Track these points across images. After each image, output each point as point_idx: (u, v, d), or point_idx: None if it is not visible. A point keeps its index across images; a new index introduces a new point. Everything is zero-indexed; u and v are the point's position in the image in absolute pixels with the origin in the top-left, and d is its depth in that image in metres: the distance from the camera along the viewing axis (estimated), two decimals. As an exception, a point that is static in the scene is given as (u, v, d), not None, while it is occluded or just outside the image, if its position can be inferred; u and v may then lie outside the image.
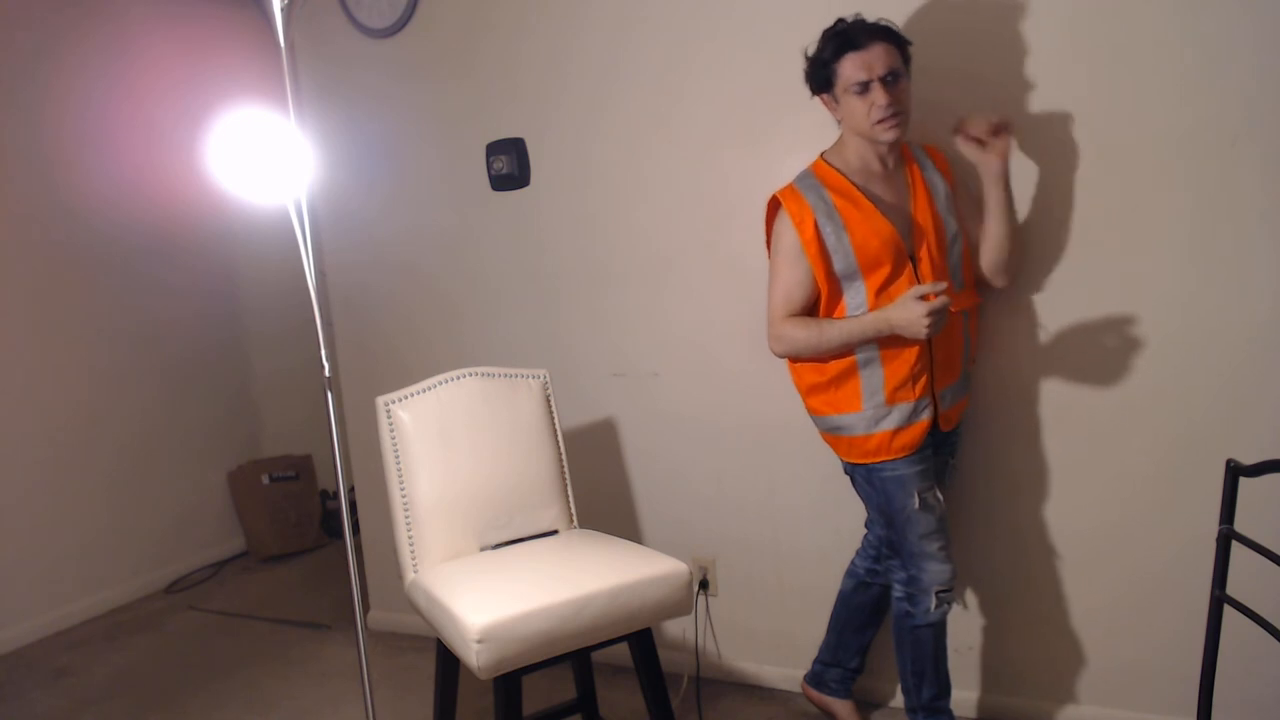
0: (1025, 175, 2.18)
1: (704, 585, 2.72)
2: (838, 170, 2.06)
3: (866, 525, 2.36)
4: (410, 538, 2.12)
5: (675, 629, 2.81)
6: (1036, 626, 2.34)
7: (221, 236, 4.29)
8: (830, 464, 2.33)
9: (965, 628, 2.41)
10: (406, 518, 2.13)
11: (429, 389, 2.18)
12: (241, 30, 4.27)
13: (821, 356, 2.08)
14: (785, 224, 2.06)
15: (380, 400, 2.16)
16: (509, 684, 1.83)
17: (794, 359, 2.14)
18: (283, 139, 1.85)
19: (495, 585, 1.89)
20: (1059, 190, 2.16)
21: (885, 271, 2.01)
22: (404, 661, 3.05)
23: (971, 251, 2.14)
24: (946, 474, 2.26)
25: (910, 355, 2.02)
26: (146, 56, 3.95)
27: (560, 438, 2.32)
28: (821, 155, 2.12)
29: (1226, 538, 1.52)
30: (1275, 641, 1.39)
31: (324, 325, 1.91)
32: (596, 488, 2.83)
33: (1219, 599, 1.52)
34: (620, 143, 2.65)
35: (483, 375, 2.25)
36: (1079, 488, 2.25)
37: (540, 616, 1.79)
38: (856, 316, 2.02)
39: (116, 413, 3.84)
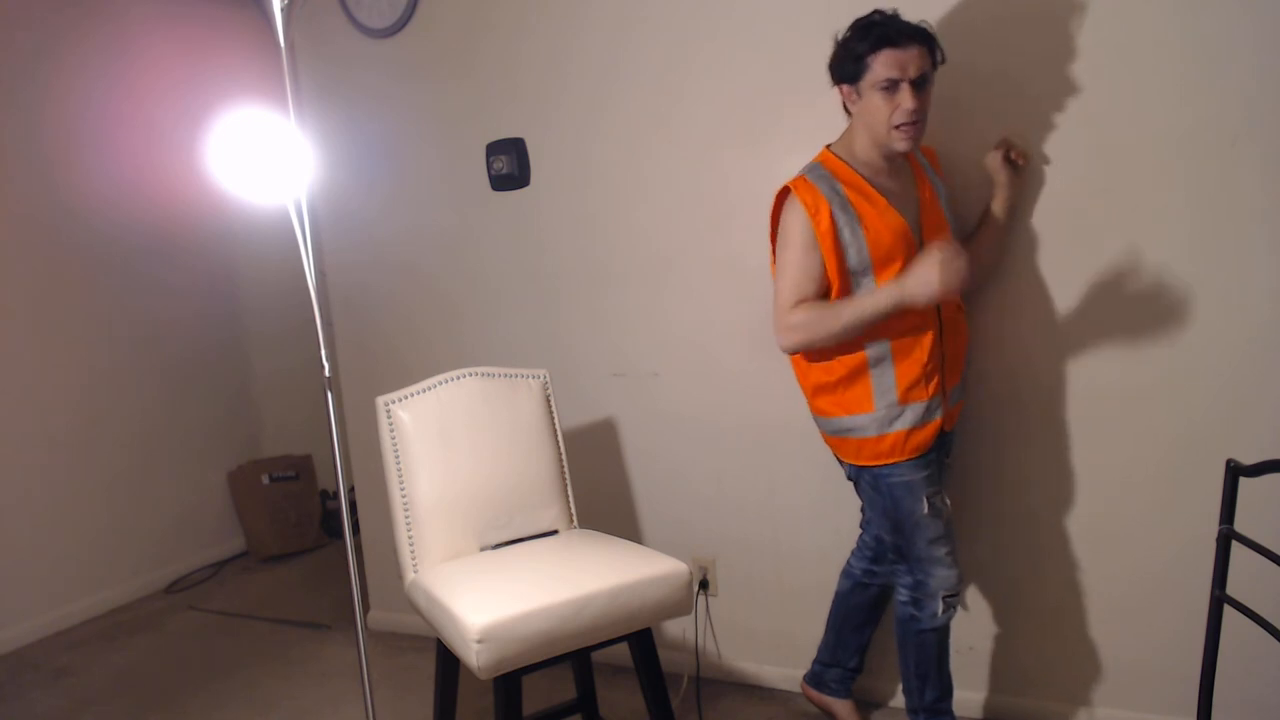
0: (1025, 175, 2.18)
1: (704, 585, 2.72)
2: (846, 163, 2.03)
3: (862, 525, 2.35)
4: (410, 538, 2.12)
5: (675, 629, 2.81)
6: (1037, 627, 2.34)
7: (221, 236, 4.29)
8: (831, 463, 2.32)
9: (967, 629, 2.41)
10: (406, 518, 2.13)
11: (429, 389, 2.18)
12: (241, 30, 4.27)
13: (832, 346, 2.01)
14: (798, 213, 1.99)
15: (380, 400, 2.16)
16: (509, 684, 1.83)
17: (805, 351, 2.06)
18: (283, 139, 1.85)
19: (495, 585, 1.89)
20: (1059, 190, 2.16)
21: (897, 266, 1.98)
22: (404, 661, 3.05)
23: None
24: (943, 475, 2.25)
25: (922, 354, 2.01)
26: (146, 56, 3.95)
27: (560, 438, 2.32)
28: (828, 147, 2.08)
29: (1226, 538, 1.52)
30: (1275, 641, 1.39)
31: (324, 325, 1.91)
32: (596, 488, 2.84)
33: (1219, 599, 1.52)
34: (620, 143, 2.65)
35: (483, 375, 2.25)
36: (1079, 488, 2.25)
37: (540, 616, 1.79)
38: (870, 292, 1.95)
39: (116, 413, 3.84)
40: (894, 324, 1.99)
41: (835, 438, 2.14)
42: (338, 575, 3.89)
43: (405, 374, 2.85)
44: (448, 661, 2.10)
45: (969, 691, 2.42)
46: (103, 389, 3.80)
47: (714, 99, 2.50)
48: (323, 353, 1.92)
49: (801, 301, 2.00)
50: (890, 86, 1.89)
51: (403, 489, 2.14)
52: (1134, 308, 2.13)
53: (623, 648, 2.01)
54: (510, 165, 2.79)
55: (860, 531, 2.36)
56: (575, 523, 2.31)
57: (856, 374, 2.04)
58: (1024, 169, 2.15)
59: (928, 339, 2.01)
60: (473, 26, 2.81)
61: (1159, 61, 2.04)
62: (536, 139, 2.78)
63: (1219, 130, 2.00)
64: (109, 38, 3.82)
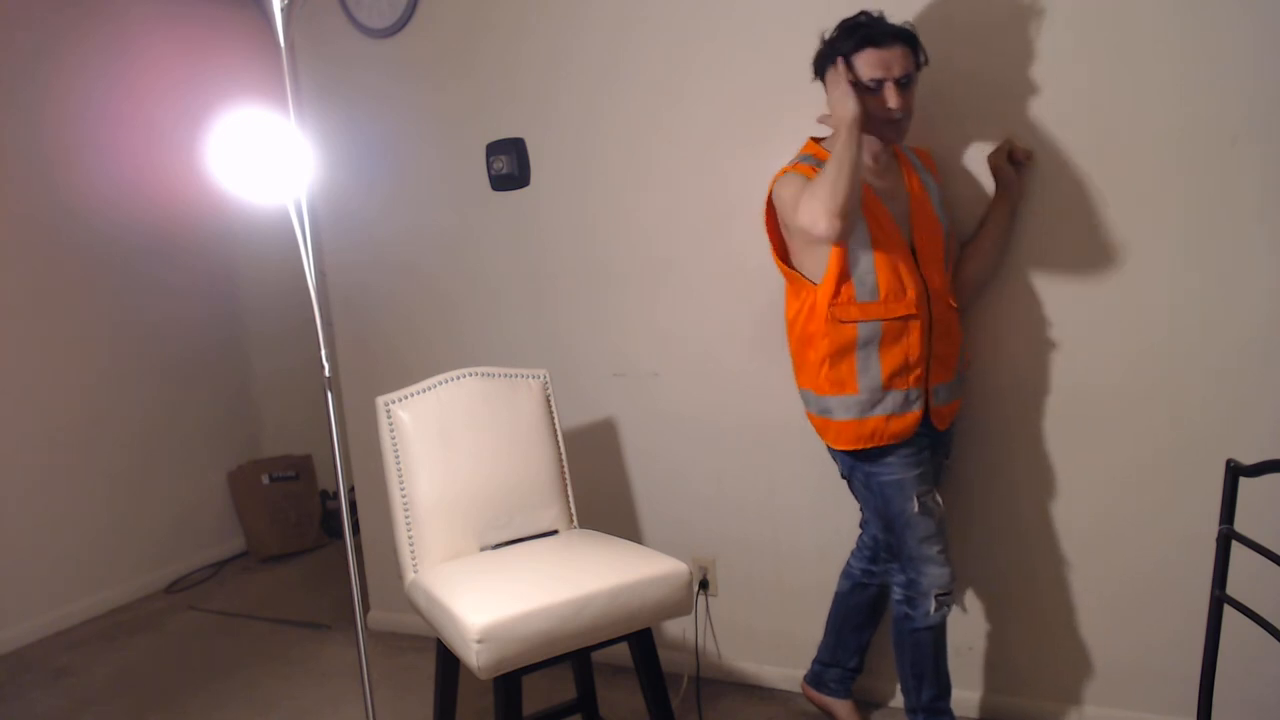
0: (1027, 175, 2.18)
1: (704, 585, 2.72)
2: None
3: (861, 525, 2.36)
4: (410, 538, 2.12)
5: (675, 629, 2.81)
6: (1037, 626, 2.34)
7: (221, 236, 4.29)
8: (831, 463, 2.32)
9: (966, 628, 2.41)
10: (406, 518, 2.13)
11: (429, 389, 2.18)
12: (241, 30, 4.27)
13: (839, 193, 1.88)
14: (796, 176, 2.01)
15: (380, 400, 2.16)
16: (509, 684, 1.83)
17: (844, 220, 1.88)
18: (283, 139, 1.85)
19: (495, 585, 1.89)
20: (1058, 190, 2.16)
21: (888, 256, 2.01)
22: (404, 661, 3.05)
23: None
24: (942, 476, 2.26)
25: (910, 343, 2.02)
26: (146, 56, 3.95)
27: (560, 438, 2.32)
28: (813, 139, 2.12)
29: (1226, 538, 1.52)
30: (1275, 641, 1.39)
31: (324, 325, 1.91)
32: (596, 488, 2.84)
33: (1219, 599, 1.52)
34: (620, 143, 2.65)
35: (483, 375, 2.25)
36: (1079, 488, 2.25)
37: (540, 616, 1.79)
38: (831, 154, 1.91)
39: (116, 413, 3.84)
40: (889, 307, 2.00)
41: (818, 418, 2.15)
42: (338, 575, 3.89)
43: (405, 374, 2.85)
44: (448, 661, 2.10)
45: (968, 691, 2.43)
46: (103, 389, 3.80)
47: (714, 99, 2.50)
48: (323, 353, 1.92)
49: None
50: (875, 85, 1.93)
51: (403, 489, 2.14)
52: (1133, 307, 2.13)
53: (623, 648, 2.02)
54: (510, 165, 2.79)
55: (860, 531, 2.36)
56: (575, 523, 2.31)
57: (844, 352, 2.04)
58: (1028, 168, 2.15)
59: (916, 331, 2.02)
60: (473, 26, 2.81)
61: (1159, 61, 2.04)
62: (536, 139, 2.78)
63: (1219, 130, 2.00)
64: (109, 38, 3.82)
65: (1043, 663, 2.35)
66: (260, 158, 1.85)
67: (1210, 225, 2.04)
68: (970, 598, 2.41)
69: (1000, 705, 2.41)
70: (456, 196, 2.92)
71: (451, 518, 2.13)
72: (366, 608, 3.37)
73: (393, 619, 3.29)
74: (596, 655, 2.34)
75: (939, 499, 2.11)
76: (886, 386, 2.03)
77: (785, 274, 2.13)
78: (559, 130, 2.73)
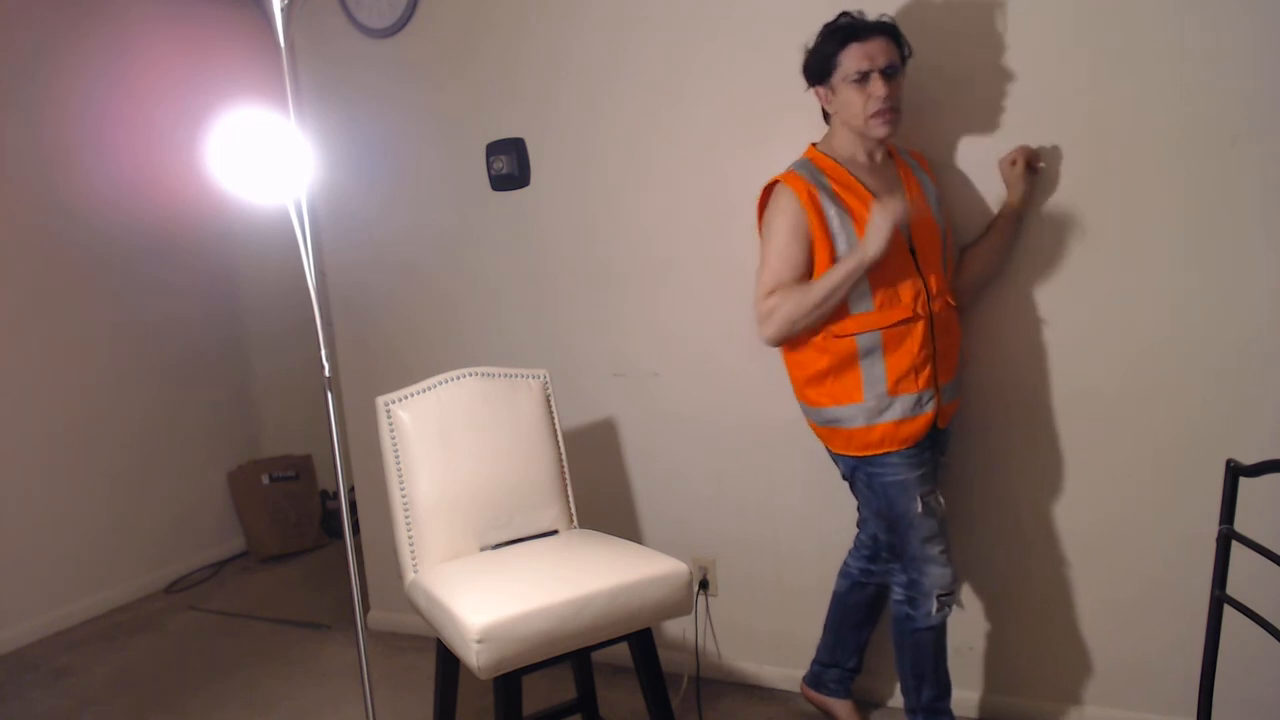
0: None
1: (704, 585, 2.72)
2: (831, 159, 2.08)
3: (859, 525, 2.36)
4: (410, 538, 2.12)
5: (675, 629, 2.81)
6: (1037, 627, 2.34)
7: (221, 236, 4.29)
8: (830, 463, 2.32)
9: (966, 628, 2.41)
10: (406, 518, 2.13)
11: (429, 389, 2.18)
12: (241, 30, 4.27)
13: (815, 326, 2.03)
14: (788, 200, 2.02)
15: (380, 400, 2.16)
16: (509, 684, 1.83)
17: (787, 338, 2.07)
18: (283, 139, 1.85)
19: (495, 585, 1.89)
20: (1058, 190, 2.16)
21: (886, 261, 1.99)
22: (404, 661, 3.05)
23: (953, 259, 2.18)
24: (940, 474, 2.25)
25: (914, 345, 2.02)
26: (146, 56, 3.95)
27: (560, 438, 2.32)
28: (813, 145, 2.13)
29: (1226, 538, 1.52)
30: (1275, 641, 1.39)
31: (324, 325, 1.91)
32: (596, 488, 2.84)
33: (1219, 599, 1.52)
34: (620, 143, 2.65)
35: (483, 375, 2.25)
36: (1079, 488, 2.25)
37: (540, 616, 1.79)
38: (836, 264, 1.98)
39: (116, 413, 3.84)
40: (886, 314, 2.01)
41: (825, 429, 2.15)
42: (338, 575, 3.89)
43: (405, 374, 2.85)
44: (448, 661, 2.10)
45: (968, 691, 2.42)
46: (103, 389, 3.80)
47: (714, 99, 2.50)
48: (323, 353, 1.92)
49: (777, 288, 2.03)
50: (861, 79, 1.97)
51: (403, 489, 2.14)
52: (1133, 307, 2.13)
53: (623, 648, 2.01)
54: (510, 165, 2.79)
55: (857, 531, 2.36)
56: (575, 523, 2.31)
57: (846, 364, 2.05)
58: (1040, 172, 2.15)
59: (919, 331, 2.02)
60: (473, 26, 2.81)
61: (1159, 61, 2.04)
62: (536, 139, 2.78)
63: (1219, 130, 2.00)
64: (109, 38, 3.82)
65: (1043, 663, 2.35)
66: (260, 158, 1.85)
67: (1210, 225, 2.04)
68: (970, 598, 2.41)
69: (1000, 705, 2.41)
70: (456, 196, 2.92)
71: (451, 518, 2.13)
72: (366, 608, 3.37)
73: (393, 619, 3.29)
74: (596, 655, 2.34)
75: (941, 499, 2.11)
76: (893, 392, 2.03)
77: None
78: (559, 130, 2.73)
